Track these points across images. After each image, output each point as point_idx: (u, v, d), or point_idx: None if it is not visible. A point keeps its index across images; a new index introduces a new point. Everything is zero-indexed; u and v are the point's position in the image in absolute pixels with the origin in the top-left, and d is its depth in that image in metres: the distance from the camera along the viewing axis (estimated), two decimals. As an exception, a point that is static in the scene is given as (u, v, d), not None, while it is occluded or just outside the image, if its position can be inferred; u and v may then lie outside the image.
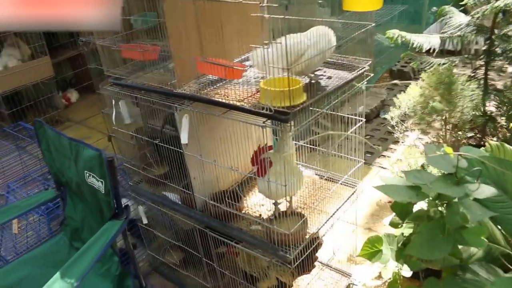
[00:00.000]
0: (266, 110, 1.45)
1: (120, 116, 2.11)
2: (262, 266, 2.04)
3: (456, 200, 1.28)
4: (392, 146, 3.64)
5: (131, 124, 2.24)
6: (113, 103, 2.06)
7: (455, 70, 2.68)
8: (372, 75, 1.87)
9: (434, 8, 4.68)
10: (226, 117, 1.67)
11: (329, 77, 1.79)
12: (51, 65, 4.18)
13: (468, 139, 2.72)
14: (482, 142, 2.70)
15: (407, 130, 2.66)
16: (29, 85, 4.09)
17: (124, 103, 2.03)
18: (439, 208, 1.35)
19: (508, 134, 2.47)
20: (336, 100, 1.67)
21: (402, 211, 1.45)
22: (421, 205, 1.48)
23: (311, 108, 1.56)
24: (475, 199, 1.28)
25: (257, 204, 2.11)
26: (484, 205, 1.31)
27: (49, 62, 4.15)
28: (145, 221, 2.33)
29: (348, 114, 1.89)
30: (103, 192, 1.59)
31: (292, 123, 1.46)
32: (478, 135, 2.74)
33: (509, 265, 1.39)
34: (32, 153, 3.44)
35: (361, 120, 1.94)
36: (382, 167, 3.35)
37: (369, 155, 3.52)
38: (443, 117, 2.28)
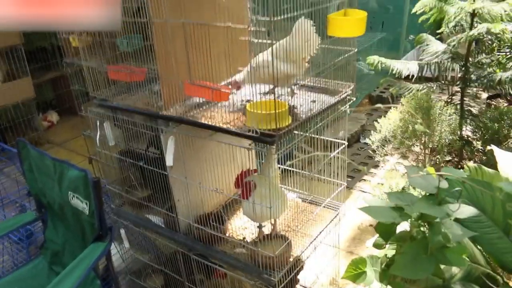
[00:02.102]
0: (252, 133, 1.48)
1: (104, 138, 2.10)
2: (245, 289, 2.03)
3: (438, 220, 1.31)
4: (372, 170, 3.70)
5: (114, 146, 2.23)
6: (97, 124, 2.06)
7: (432, 96, 2.77)
8: (354, 99, 1.92)
9: (412, 36, 4.85)
10: (212, 139, 1.69)
11: (313, 101, 1.84)
12: (32, 86, 4.14)
13: (446, 163, 2.79)
14: (460, 166, 2.78)
15: (387, 154, 2.72)
16: (9, 105, 4.04)
17: (109, 125, 2.03)
18: (422, 229, 1.38)
19: (484, 158, 2.54)
20: (320, 123, 1.70)
21: (385, 232, 1.48)
22: (404, 227, 1.51)
23: (295, 132, 1.59)
24: (456, 219, 1.32)
25: (241, 227, 2.10)
26: (465, 225, 1.34)
27: (30, 82, 4.11)
28: (126, 244, 2.30)
29: (330, 138, 1.93)
30: (87, 213, 1.58)
31: (277, 145, 1.48)
32: (455, 159, 2.82)
33: (490, 284, 1.43)
34: (10, 175, 3.38)
35: (344, 144, 1.99)
36: (363, 191, 3.40)
37: (350, 179, 3.57)
38: (422, 141, 2.35)
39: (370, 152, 3.04)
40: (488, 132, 2.43)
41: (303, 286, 2.42)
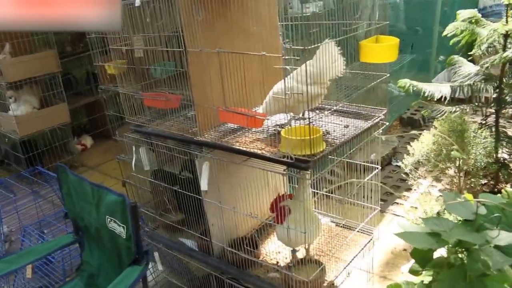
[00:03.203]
0: (287, 158, 1.49)
1: (139, 162, 2.16)
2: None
3: (476, 247, 1.28)
4: (405, 193, 3.63)
5: (149, 170, 2.29)
6: (133, 149, 2.11)
7: (466, 118, 2.73)
8: (387, 123, 1.92)
9: (442, 57, 4.81)
10: (246, 164, 1.71)
11: (346, 126, 1.84)
12: (68, 111, 4.29)
13: (482, 186, 2.73)
14: (496, 189, 2.71)
15: (420, 177, 2.68)
16: (46, 130, 4.19)
17: (144, 150, 2.08)
18: (459, 255, 1.35)
19: (522, 181, 2.48)
20: (354, 148, 1.71)
21: (421, 258, 1.45)
22: (440, 252, 1.48)
23: (330, 157, 1.59)
24: (496, 246, 1.28)
25: (274, 251, 2.10)
26: (505, 252, 1.31)
27: (66, 108, 4.26)
28: (160, 267, 2.32)
29: (363, 162, 1.92)
30: (124, 237, 1.61)
31: (312, 171, 1.49)
32: (491, 182, 2.75)
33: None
34: (47, 198, 3.48)
35: (377, 168, 1.98)
36: (395, 215, 3.34)
37: (382, 202, 3.51)
38: (457, 165, 2.31)
39: (403, 175, 3.01)
40: (525, 154, 2.37)
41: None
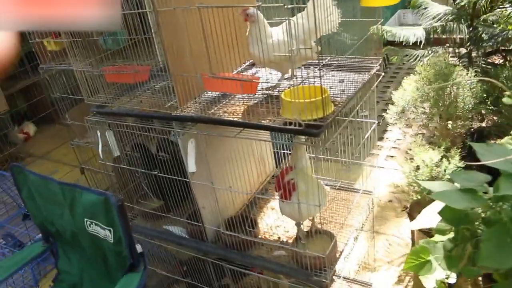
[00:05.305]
0: (295, 125, 1.28)
1: (107, 148, 1.87)
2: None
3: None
4: (379, 142, 3.57)
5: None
6: (98, 134, 1.82)
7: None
8: (383, 74, 1.75)
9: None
10: (241, 137, 1.49)
11: (341, 81, 1.65)
12: (4, 97, 3.81)
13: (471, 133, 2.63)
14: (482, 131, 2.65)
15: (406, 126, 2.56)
16: (-19, 122, 3.72)
17: (112, 133, 1.80)
18: (499, 211, 1.23)
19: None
20: (359, 105, 1.53)
21: (453, 216, 1.33)
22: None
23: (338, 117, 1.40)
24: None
25: (271, 226, 1.93)
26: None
27: (1, 95, 3.77)
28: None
29: (363, 118, 1.76)
30: (112, 241, 1.37)
31: (324, 136, 1.30)
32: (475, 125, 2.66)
33: None
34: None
35: (374, 122, 1.82)
36: (373, 166, 3.26)
37: (357, 155, 3.43)
38: (446, 109, 2.20)
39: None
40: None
41: (338, 276, 2.28)
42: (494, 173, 1.26)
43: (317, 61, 1.65)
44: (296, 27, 1.35)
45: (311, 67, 1.70)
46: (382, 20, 1.61)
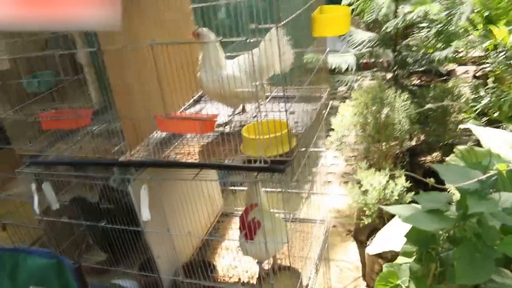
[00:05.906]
0: (260, 163, 1.23)
1: (44, 202, 1.69)
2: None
3: (486, 214, 1.20)
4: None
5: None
6: (33, 188, 1.64)
7: (366, 83, 2.76)
8: (331, 103, 1.77)
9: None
10: (199, 179, 1.40)
11: (292, 113, 1.64)
12: None
13: (406, 152, 2.75)
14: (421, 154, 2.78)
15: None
16: None
17: (49, 185, 1.63)
18: (465, 228, 1.26)
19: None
20: (316, 135, 1.52)
21: (418, 238, 1.34)
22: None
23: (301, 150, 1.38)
24: (504, 209, 1.22)
25: (229, 267, 1.84)
26: (509, 214, 1.25)
27: None
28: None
29: (316, 148, 1.76)
30: (65, 309, 1.20)
31: (292, 171, 1.27)
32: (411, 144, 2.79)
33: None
34: None
35: (323, 150, 1.84)
36: (312, 193, 3.29)
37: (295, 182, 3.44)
38: (384, 134, 2.29)
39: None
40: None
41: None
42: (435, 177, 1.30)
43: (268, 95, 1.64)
44: (251, 64, 1.31)
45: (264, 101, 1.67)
46: (328, 48, 1.64)
